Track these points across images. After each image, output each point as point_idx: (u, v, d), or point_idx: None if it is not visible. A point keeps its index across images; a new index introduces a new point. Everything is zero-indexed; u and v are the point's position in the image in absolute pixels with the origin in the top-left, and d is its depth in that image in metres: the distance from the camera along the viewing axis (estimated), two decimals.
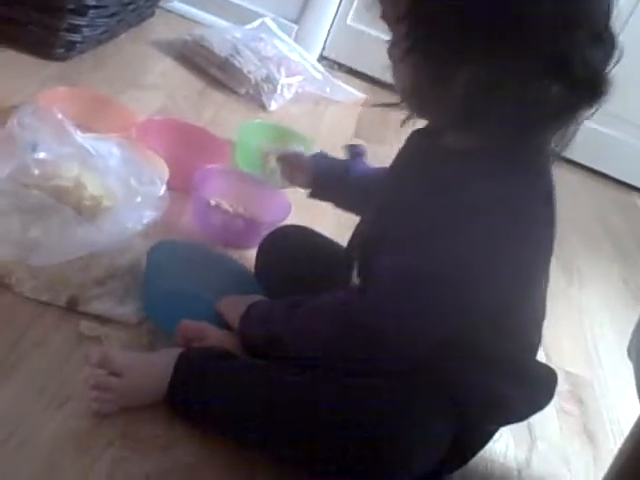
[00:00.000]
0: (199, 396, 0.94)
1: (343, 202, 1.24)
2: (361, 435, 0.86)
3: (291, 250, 1.20)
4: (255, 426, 0.92)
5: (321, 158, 1.27)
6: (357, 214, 1.20)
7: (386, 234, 0.92)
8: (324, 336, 0.88)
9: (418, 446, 0.87)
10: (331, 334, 0.87)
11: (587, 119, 0.85)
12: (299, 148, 1.43)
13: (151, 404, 0.95)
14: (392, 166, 1.03)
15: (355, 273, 1.00)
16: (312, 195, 1.27)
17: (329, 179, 1.23)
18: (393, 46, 0.87)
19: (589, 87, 0.81)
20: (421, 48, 0.83)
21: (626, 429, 1.37)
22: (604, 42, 0.81)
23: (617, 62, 0.82)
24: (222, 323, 1.05)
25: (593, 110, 0.83)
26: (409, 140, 1.02)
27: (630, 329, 1.74)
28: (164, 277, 1.10)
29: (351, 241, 1.09)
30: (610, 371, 1.55)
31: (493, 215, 0.82)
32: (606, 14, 0.81)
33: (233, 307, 1.03)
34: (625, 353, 1.60)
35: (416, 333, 0.85)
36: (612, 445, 1.33)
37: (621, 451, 1.18)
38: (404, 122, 0.95)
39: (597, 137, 2.44)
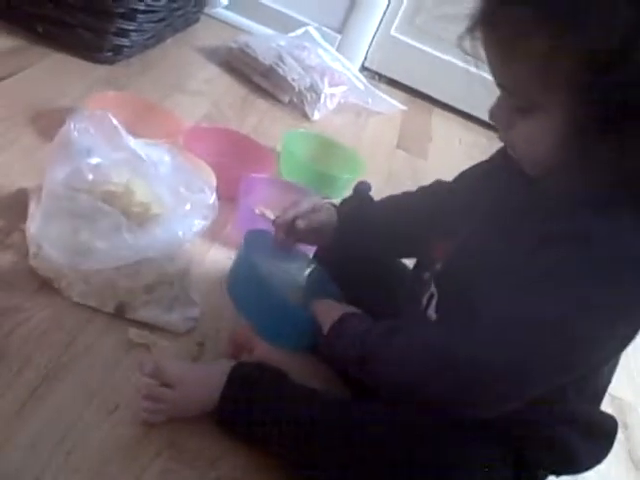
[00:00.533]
0: (248, 412, 0.93)
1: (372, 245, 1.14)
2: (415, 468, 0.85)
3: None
4: (300, 448, 0.91)
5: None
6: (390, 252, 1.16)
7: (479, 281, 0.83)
8: (422, 369, 0.81)
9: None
10: (432, 366, 0.80)
11: None
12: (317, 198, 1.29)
13: (200, 415, 0.95)
14: (479, 204, 0.94)
15: (432, 305, 0.95)
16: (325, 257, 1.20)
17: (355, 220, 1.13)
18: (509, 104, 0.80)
19: None
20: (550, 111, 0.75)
21: None
22: None
23: None
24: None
25: None
26: (494, 177, 0.95)
27: None
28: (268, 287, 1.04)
29: (419, 270, 1.03)
30: None
31: (625, 276, 0.74)
32: None
33: (327, 311, 0.98)
34: None
35: (524, 379, 0.76)
36: None
37: None
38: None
39: None
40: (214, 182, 1.32)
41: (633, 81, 0.69)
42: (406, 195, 1.16)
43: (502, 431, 0.85)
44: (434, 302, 0.94)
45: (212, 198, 1.20)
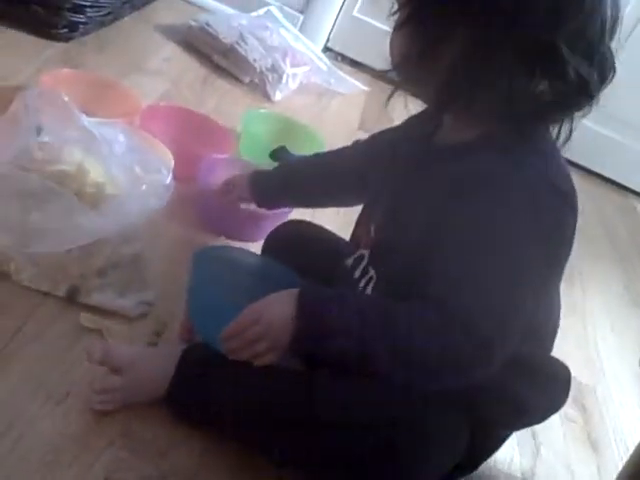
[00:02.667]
0: (200, 395, 0.91)
1: (294, 196, 1.24)
2: (372, 440, 0.84)
3: (298, 245, 1.18)
4: (257, 428, 0.89)
5: (256, 171, 1.28)
6: (318, 201, 1.26)
7: (406, 237, 0.89)
8: (435, 350, 0.79)
9: (434, 453, 0.85)
10: (442, 345, 0.78)
11: (577, 119, 0.84)
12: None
13: (153, 401, 0.92)
14: (390, 166, 0.99)
15: (363, 265, 0.97)
16: (260, 203, 1.26)
17: (267, 181, 1.24)
18: (393, 15, 0.86)
19: (577, 91, 0.79)
20: (416, 15, 0.82)
21: (629, 438, 1.36)
22: (595, 57, 0.79)
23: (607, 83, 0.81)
24: None
25: (582, 113, 0.83)
26: (400, 142, 1.00)
27: (631, 335, 1.74)
28: (207, 290, 0.99)
29: (356, 234, 1.06)
30: (612, 378, 1.53)
31: (538, 209, 0.80)
32: (599, 33, 0.79)
33: (271, 306, 0.85)
34: (627, 360, 1.60)
35: (513, 334, 0.80)
36: (616, 454, 1.31)
37: (629, 461, 1.16)
38: (389, 97, 0.92)
39: (597, 139, 2.42)
40: (171, 162, 1.29)
41: None
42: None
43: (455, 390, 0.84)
44: (372, 284, 0.94)
45: (168, 178, 1.17)
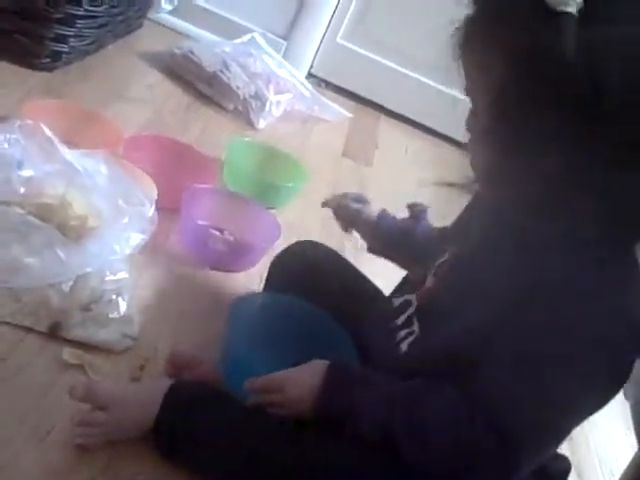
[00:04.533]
0: (186, 434, 0.89)
1: (404, 261, 1.16)
2: None
3: (307, 278, 1.14)
4: (243, 475, 0.87)
5: (385, 215, 1.18)
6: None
7: (463, 318, 0.85)
8: (445, 447, 0.79)
9: None
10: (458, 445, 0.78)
11: None
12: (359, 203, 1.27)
13: (137, 437, 0.91)
14: (465, 244, 0.94)
15: (409, 312, 0.95)
16: (371, 250, 1.19)
17: (392, 236, 1.15)
18: (474, 116, 0.79)
19: None
20: (507, 131, 0.74)
21: (615, 467, 1.36)
22: None
23: None
24: None
25: None
26: (476, 218, 0.94)
27: None
28: (240, 342, 0.99)
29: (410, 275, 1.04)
30: None
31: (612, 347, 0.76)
32: None
33: (296, 381, 0.86)
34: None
35: (542, 449, 0.80)
36: None
37: None
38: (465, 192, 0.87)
39: None
40: (154, 194, 1.29)
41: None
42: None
43: None
44: (411, 338, 0.92)
45: (151, 211, 1.17)
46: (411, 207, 1.15)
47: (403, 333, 0.93)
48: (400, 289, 1.03)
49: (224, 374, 0.96)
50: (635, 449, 1.15)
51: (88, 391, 0.90)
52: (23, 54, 1.69)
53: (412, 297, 0.96)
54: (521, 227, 0.80)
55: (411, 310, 0.95)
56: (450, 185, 0.85)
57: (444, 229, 1.08)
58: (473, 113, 0.79)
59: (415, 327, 0.93)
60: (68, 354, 1.00)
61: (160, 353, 1.07)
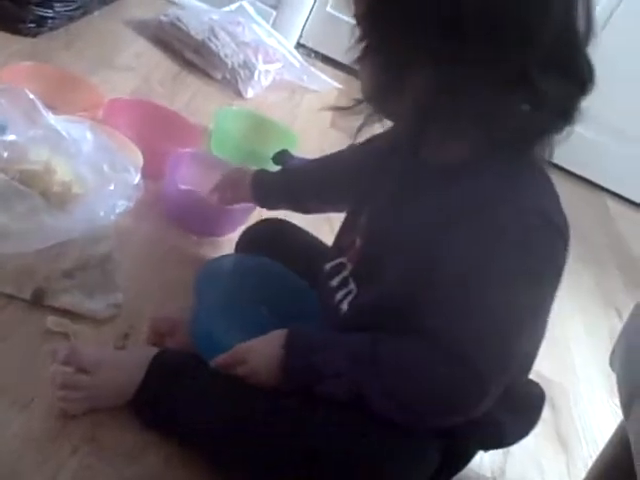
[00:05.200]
0: (168, 404, 0.89)
1: (295, 201, 1.22)
2: (346, 465, 0.83)
3: (275, 244, 1.17)
4: (228, 444, 0.87)
5: (259, 171, 1.25)
6: (317, 207, 1.23)
7: (394, 262, 0.87)
8: (425, 385, 0.79)
9: (407, 473, 0.84)
10: (436, 383, 0.78)
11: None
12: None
13: (120, 405, 0.91)
14: (377, 178, 0.98)
15: (344, 275, 0.97)
16: (261, 205, 1.26)
17: (270, 184, 1.22)
18: (356, 44, 0.83)
19: (556, 112, 0.79)
20: (378, 46, 0.80)
21: (598, 436, 1.37)
22: (571, 70, 0.78)
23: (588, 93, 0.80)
24: None
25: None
26: (378, 155, 0.98)
27: (602, 333, 1.75)
28: (206, 313, 0.99)
29: (339, 240, 1.05)
30: (583, 376, 1.54)
31: (536, 239, 0.79)
32: (573, 46, 0.78)
33: (257, 353, 0.87)
34: (598, 358, 1.61)
35: (509, 369, 0.80)
36: (585, 453, 1.32)
37: (599, 460, 1.17)
38: (360, 129, 0.88)
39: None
40: (140, 161, 1.27)
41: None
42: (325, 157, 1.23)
43: None
44: (350, 297, 0.94)
45: (137, 178, 1.15)
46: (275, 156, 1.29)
47: (341, 294, 0.95)
48: (332, 253, 1.03)
49: (195, 346, 0.95)
50: (619, 419, 1.16)
51: (71, 353, 0.89)
52: (7, 19, 1.66)
53: (344, 259, 0.98)
54: (419, 159, 0.85)
55: (345, 272, 0.97)
56: (340, 109, 0.89)
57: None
58: (356, 40, 0.83)
59: (352, 286, 0.95)
60: (52, 322, 0.99)
61: (145, 321, 1.06)
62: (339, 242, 1.05)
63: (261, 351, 0.86)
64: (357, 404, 0.82)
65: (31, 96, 1.10)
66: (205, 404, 0.87)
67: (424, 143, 0.83)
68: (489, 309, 0.77)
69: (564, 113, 0.79)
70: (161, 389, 0.89)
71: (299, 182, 1.21)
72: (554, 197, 0.84)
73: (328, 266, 1.01)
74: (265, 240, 1.19)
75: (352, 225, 1.01)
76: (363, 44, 0.81)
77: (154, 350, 0.94)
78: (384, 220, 0.93)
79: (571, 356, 1.58)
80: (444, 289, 0.79)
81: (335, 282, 0.98)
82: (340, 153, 1.19)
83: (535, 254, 0.78)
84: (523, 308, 0.79)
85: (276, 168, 1.38)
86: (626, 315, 1.16)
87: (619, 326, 1.16)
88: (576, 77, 0.78)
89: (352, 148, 1.18)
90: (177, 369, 0.90)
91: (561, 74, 0.77)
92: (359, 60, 0.83)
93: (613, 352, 1.13)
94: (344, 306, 0.94)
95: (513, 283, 0.78)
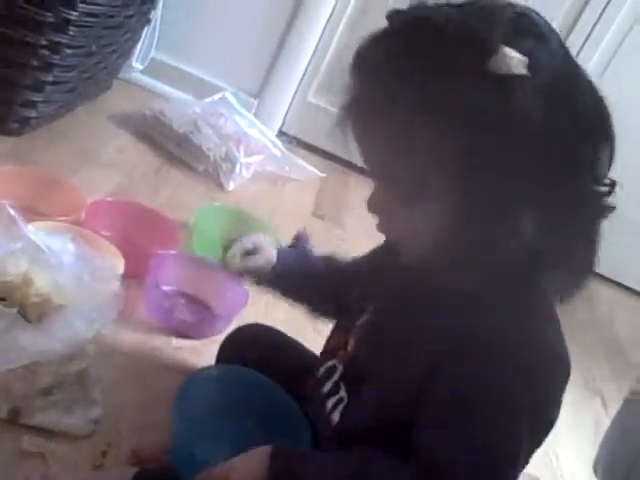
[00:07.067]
0: None
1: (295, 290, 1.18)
2: None
3: (260, 350, 1.14)
4: None
5: (284, 256, 1.19)
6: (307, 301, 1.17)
7: (385, 377, 0.86)
8: None
9: None
10: None
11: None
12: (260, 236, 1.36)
13: None
14: (375, 286, 0.96)
15: (334, 379, 0.95)
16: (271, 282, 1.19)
17: (291, 265, 1.17)
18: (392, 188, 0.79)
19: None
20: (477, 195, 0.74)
21: None
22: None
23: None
24: None
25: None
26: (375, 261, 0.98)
27: (589, 429, 1.73)
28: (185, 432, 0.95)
29: (330, 342, 1.03)
30: (568, 473, 1.52)
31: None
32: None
33: (239, 471, 0.85)
34: (583, 456, 1.59)
35: None
36: None
37: None
38: None
39: None
40: (121, 268, 1.28)
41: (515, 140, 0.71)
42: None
43: None
44: (341, 407, 0.91)
45: (118, 288, 1.15)
46: (295, 237, 1.20)
47: (332, 402, 0.93)
48: (323, 356, 1.02)
49: (174, 465, 0.93)
50: None
51: None
52: None
53: (335, 362, 0.96)
54: (440, 283, 0.82)
55: (336, 376, 0.94)
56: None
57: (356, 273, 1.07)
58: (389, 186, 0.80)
59: (343, 393, 0.92)
60: (28, 442, 0.98)
61: (123, 437, 1.05)
62: (330, 344, 1.03)
63: (244, 469, 0.83)
64: None
65: (11, 211, 1.11)
66: None
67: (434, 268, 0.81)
68: (489, 440, 0.77)
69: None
70: None
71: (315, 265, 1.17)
72: (557, 327, 0.82)
73: (322, 370, 0.98)
74: (247, 348, 1.16)
75: (345, 327, 0.99)
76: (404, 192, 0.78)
77: (132, 471, 0.92)
78: (379, 329, 0.91)
79: (556, 454, 1.56)
80: (438, 419, 0.78)
81: (326, 389, 0.95)
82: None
83: (539, 391, 0.78)
84: (523, 440, 0.78)
85: None
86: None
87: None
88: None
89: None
90: None
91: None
92: (408, 202, 0.78)
93: (597, 458, 1.12)
94: (335, 416, 0.92)
95: (517, 416, 0.77)
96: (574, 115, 0.73)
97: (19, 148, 1.70)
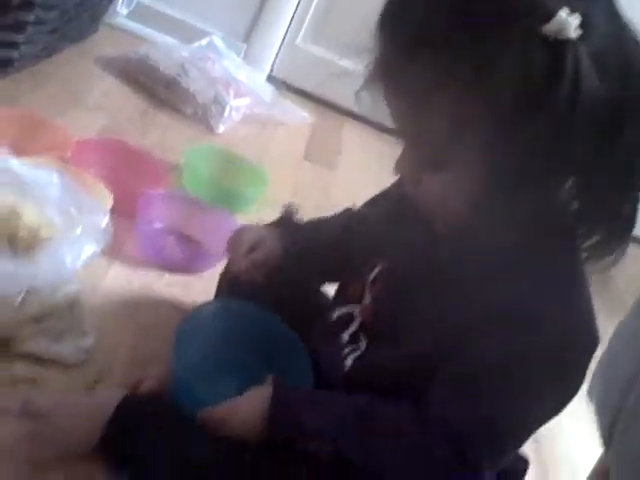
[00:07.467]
0: (135, 449, 0.85)
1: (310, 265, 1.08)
2: None
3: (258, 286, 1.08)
4: None
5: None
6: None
7: (412, 341, 0.85)
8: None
9: None
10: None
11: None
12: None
13: (91, 453, 0.87)
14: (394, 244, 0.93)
15: (353, 329, 0.94)
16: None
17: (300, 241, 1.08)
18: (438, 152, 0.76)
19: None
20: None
21: (582, 467, 1.35)
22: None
23: None
24: None
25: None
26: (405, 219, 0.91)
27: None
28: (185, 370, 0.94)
29: (347, 287, 1.01)
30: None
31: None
32: None
33: (238, 414, 0.84)
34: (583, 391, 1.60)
35: (502, 458, 0.81)
36: None
37: None
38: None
39: None
40: (109, 203, 1.26)
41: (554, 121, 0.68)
42: (327, 229, 1.10)
43: None
44: (357, 354, 0.91)
45: (105, 220, 1.14)
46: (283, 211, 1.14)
47: (349, 349, 0.92)
48: (338, 299, 1.01)
49: (174, 400, 0.92)
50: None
51: (25, 403, 0.86)
52: None
53: (354, 310, 0.95)
54: (471, 249, 0.80)
55: (355, 325, 0.94)
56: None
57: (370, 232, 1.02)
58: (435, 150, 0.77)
59: (362, 344, 0.92)
60: (20, 369, 0.97)
61: (116, 365, 1.04)
62: (346, 289, 1.01)
63: (245, 410, 0.83)
64: (340, 469, 0.79)
65: None
66: (168, 458, 0.83)
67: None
68: (507, 411, 0.77)
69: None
70: (124, 437, 0.86)
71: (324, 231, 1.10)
72: (589, 303, 0.81)
73: (335, 315, 0.97)
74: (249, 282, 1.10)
75: (362, 275, 0.96)
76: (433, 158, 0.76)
77: (121, 394, 0.90)
78: (406, 290, 0.89)
79: None
80: (465, 375, 0.79)
81: (346, 336, 0.94)
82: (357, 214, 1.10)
83: (567, 358, 0.78)
84: (537, 418, 0.80)
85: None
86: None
87: None
88: None
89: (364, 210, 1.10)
90: (144, 417, 0.86)
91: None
92: (437, 166, 0.77)
93: (591, 383, 1.12)
94: (348, 362, 0.92)
95: (538, 392, 0.77)
96: (626, 78, 0.71)
97: (3, 89, 1.67)
